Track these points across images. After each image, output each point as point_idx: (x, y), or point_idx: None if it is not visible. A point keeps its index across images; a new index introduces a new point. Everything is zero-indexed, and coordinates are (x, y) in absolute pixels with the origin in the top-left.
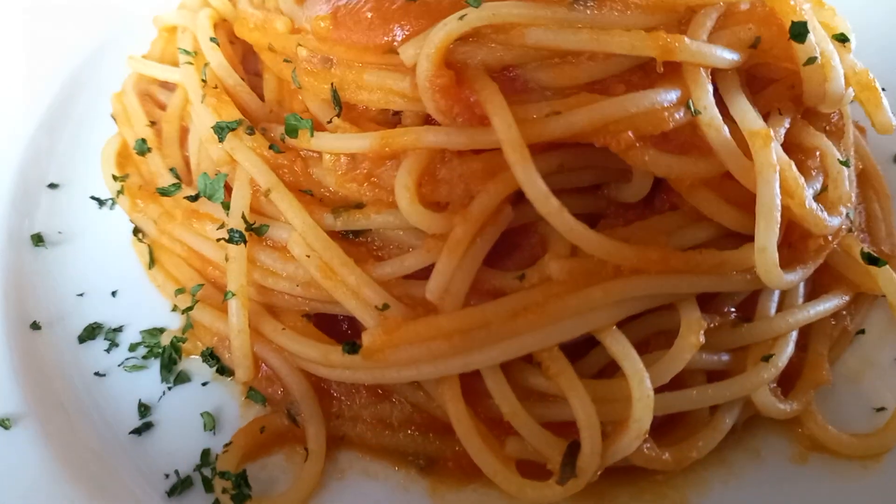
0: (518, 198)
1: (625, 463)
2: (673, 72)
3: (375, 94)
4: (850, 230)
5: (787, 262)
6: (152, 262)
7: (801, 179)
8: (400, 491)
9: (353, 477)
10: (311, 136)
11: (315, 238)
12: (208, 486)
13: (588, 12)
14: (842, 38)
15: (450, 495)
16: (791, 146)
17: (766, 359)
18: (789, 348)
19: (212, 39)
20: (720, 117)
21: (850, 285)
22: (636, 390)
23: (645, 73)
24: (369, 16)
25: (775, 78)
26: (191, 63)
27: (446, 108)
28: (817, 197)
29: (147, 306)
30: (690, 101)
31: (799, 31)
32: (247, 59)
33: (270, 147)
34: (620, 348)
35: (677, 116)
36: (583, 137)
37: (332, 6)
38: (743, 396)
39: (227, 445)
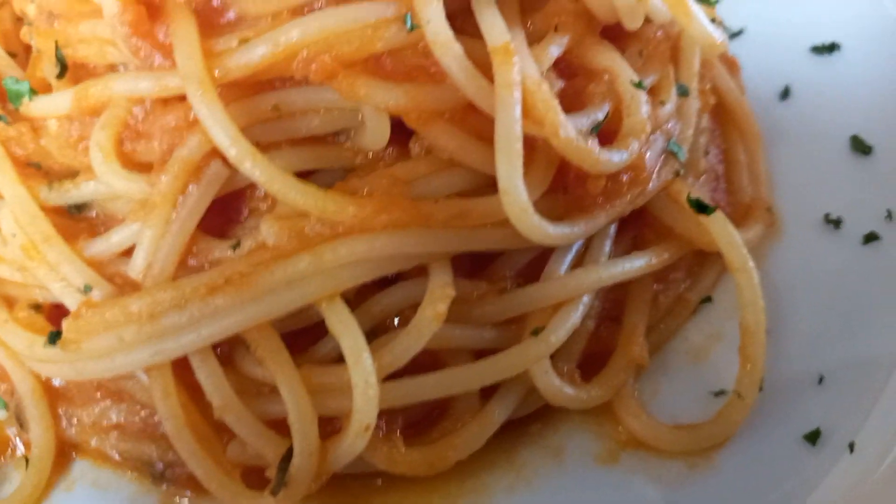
0: None
1: (373, 468)
2: None
3: (93, 46)
4: (678, 173)
5: (565, 212)
6: None
7: (554, 102)
8: None
9: (83, 489)
10: (30, 98)
11: (23, 213)
12: None
13: None
14: None
15: None
16: (576, 69)
17: (536, 332)
18: (572, 318)
19: None
20: (450, 32)
21: (681, 241)
22: (354, 374)
23: None
24: None
25: None
26: None
27: (137, 47)
28: (608, 126)
29: None
30: (408, 15)
31: None
32: None
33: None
34: (338, 322)
35: (391, 33)
36: (278, 69)
37: None
38: (519, 382)
39: None
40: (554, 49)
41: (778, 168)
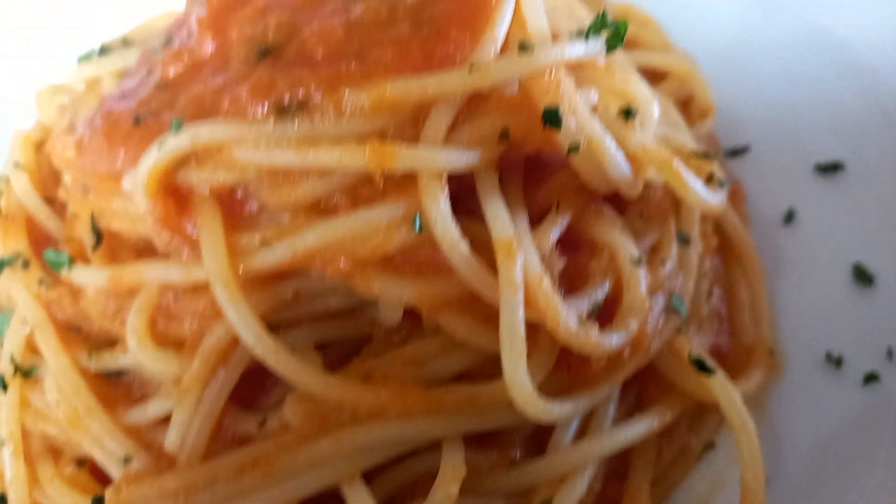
0: None
1: None
2: (403, 181)
3: (125, 221)
4: (680, 330)
5: (569, 387)
6: None
7: (556, 299)
8: None
9: None
10: (69, 269)
11: (67, 381)
12: None
13: (295, 126)
14: (627, 114)
15: None
16: (578, 242)
17: None
18: (577, 489)
19: (16, 164)
20: (456, 229)
21: (683, 396)
22: None
23: (374, 185)
24: (102, 143)
25: (560, 163)
26: None
27: (167, 240)
28: (610, 297)
29: None
30: (418, 214)
31: (551, 117)
32: None
33: (41, 282)
34: (358, 501)
35: (402, 235)
36: (297, 268)
37: (78, 134)
38: None
39: None
40: (555, 232)
41: (780, 302)
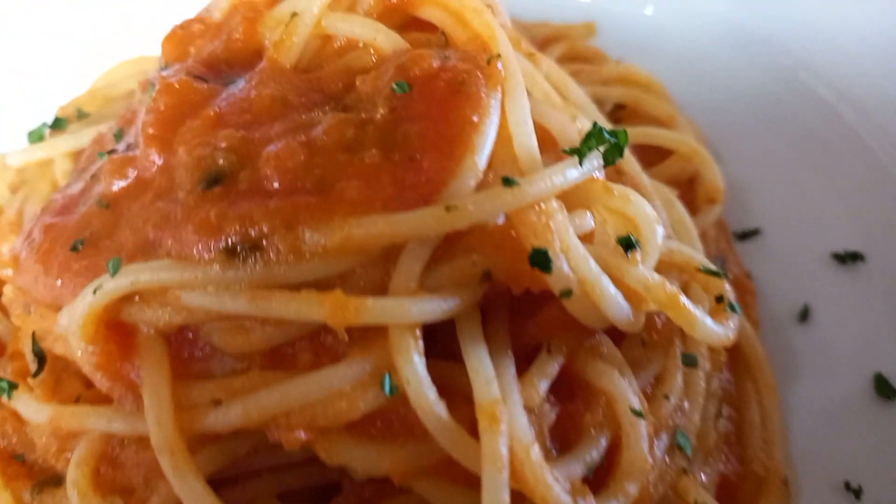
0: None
1: None
2: (371, 331)
3: (67, 348)
4: (684, 470)
5: None
6: None
7: (545, 473)
8: None
9: None
10: (9, 397)
11: None
12: None
13: (248, 270)
14: (627, 245)
15: None
16: (573, 387)
17: None
18: None
19: None
20: (432, 391)
21: None
22: None
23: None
24: (38, 267)
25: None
26: None
27: (108, 388)
28: (608, 457)
29: None
30: (387, 375)
31: (540, 260)
32: None
33: None
34: None
35: (369, 398)
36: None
37: (17, 246)
38: None
39: None
40: (545, 382)
41: (794, 418)
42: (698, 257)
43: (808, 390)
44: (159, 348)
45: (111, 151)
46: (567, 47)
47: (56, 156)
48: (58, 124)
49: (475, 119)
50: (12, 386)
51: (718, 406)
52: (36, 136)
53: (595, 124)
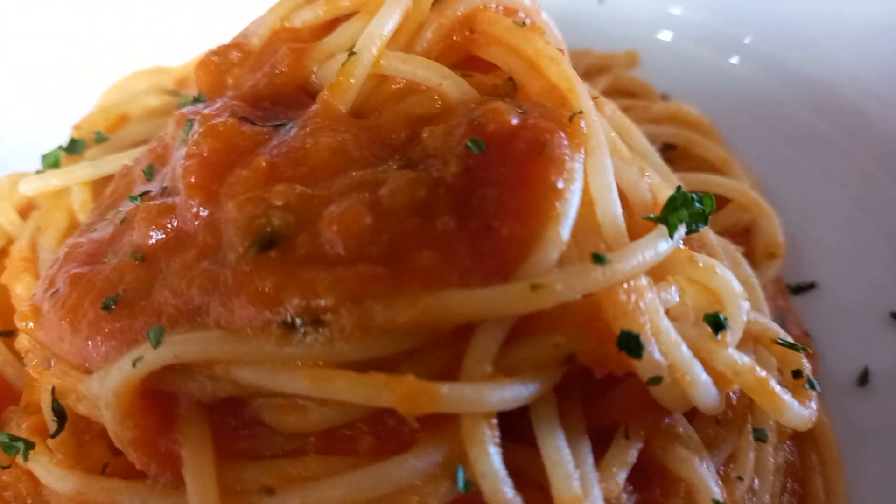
0: None
1: None
2: (444, 419)
3: (95, 410)
4: None
5: None
6: None
7: None
8: None
9: None
10: (25, 458)
11: None
12: None
13: (308, 346)
14: (715, 324)
15: None
16: (648, 470)
17: None
18: None
19: None
20: (507, 490)
21: None
22: None
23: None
24: (64, 324)
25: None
26: None
27: (141, 463)
28: None
29: None
30: (461, 467)
31: (630, 345)
32: None
33: None
34: None
35: (441, 493)
36: None
37: (38, 295)
38: None
39: None
40: (623, 473)
41: (857, 491)
42: (775, 328)
43: (871, 461)
44: (202, 422)
45: (144, 194)
46: (612, 80)
47: (74, 185)
48: (74, 148)
49: (560, 185)
50: (29, 446)
51: (784, 480)
52: (50, 161)
53: (679, 189)
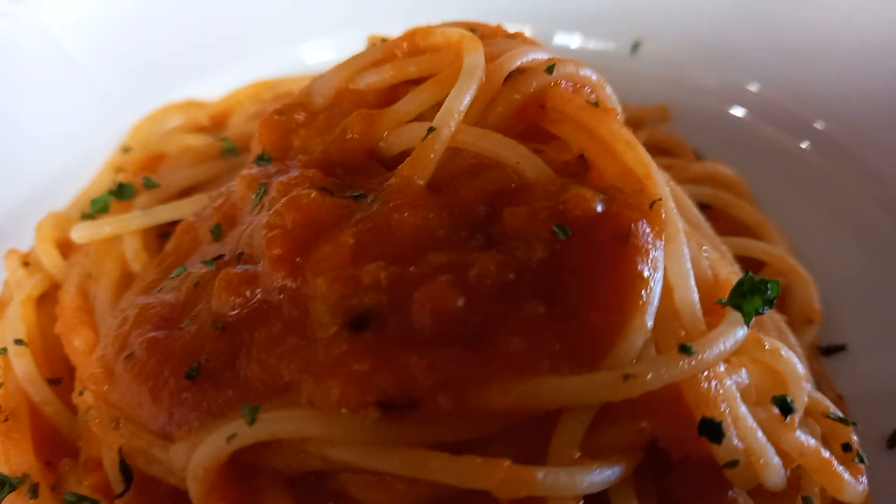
0: None
1: None
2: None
3: (167, 474)
4: None
5: None
6: None
7: None
8: None
9: None
10: None
11: None
12: None
13: (402, 428)
14: (784, 408)
15: None
16: None
17: None
18: None
19: (17, 342)
20: None
21: None
22: None
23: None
24: (143, 391)
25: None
26: None
27: None
28: None
29: None
30: None
31: (712, 431)
32: None
33: None
34: None
35: None
36: None
37: (108, 356)
38: None
39: None
40: None
41: None
42: (826, 402)
43: None
44: (285, 494)
45: (218, 258)
46: (647, 136)
47: (126, 233)
48: (122, 193)
49: (645, 274)
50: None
51: None
52: (99, 206)
53: (748, 274)
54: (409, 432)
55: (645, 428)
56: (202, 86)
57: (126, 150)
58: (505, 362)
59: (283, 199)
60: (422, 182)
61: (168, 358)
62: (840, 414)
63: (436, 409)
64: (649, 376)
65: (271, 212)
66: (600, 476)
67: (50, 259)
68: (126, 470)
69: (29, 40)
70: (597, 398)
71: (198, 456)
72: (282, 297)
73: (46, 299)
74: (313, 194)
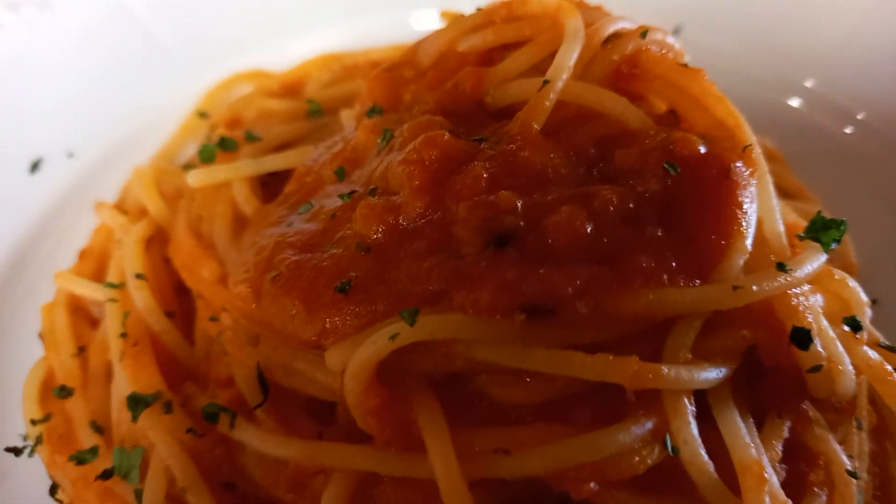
0: None
1: None
2: (647, 394)
3: (307, 384)
4: None
5: None
6: None
7: None
8: None
9: None
10: (232, 426)
11: None
12: None
13: (544, 330)
14: (854, 326)
15: None
16: (793, 449)
17: None
18: None
19: (138, 276)
20: (704, 455)
21: None
22: None
23: (613, 391)
24: (294, 306)
25: (777, 366)
26: (115, 300)
27: (378, 430)
28: None
29: None
30: (668, 435)
31: (801, 339)
32: None
33: (189, 430)
34: None
35: (652, 456)
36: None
37: (252, 277)
38: None
39: None
40: (780, 446)
41: None
42: (877, 333)
43: None
44: (431, 394)
45: (352, 192)
46: None
47: (235, 179)
48: (227, 145)
49: (745, 204)
50: (234, 415)
51: (869, 464)
52: (206, 155)
53: (819, 213)
54: (551, 334)
55: (746, 335)
56: (261, 57)
57: (201, 114)
58: (634, 275)
59: (421, 137)
60: (537, 127)
61: (318, 275)
62: (888, 343)
63: (574, 314)
64: (755, 287)
65: (408, 149)
66: (711, 374)
67: (154, 205)
68: (264, 383)
69: (110, 18)
70: (710, 306)
71: (359, 355)
72: (423, 221)
73: (150, 242)
74: (446, 135)
